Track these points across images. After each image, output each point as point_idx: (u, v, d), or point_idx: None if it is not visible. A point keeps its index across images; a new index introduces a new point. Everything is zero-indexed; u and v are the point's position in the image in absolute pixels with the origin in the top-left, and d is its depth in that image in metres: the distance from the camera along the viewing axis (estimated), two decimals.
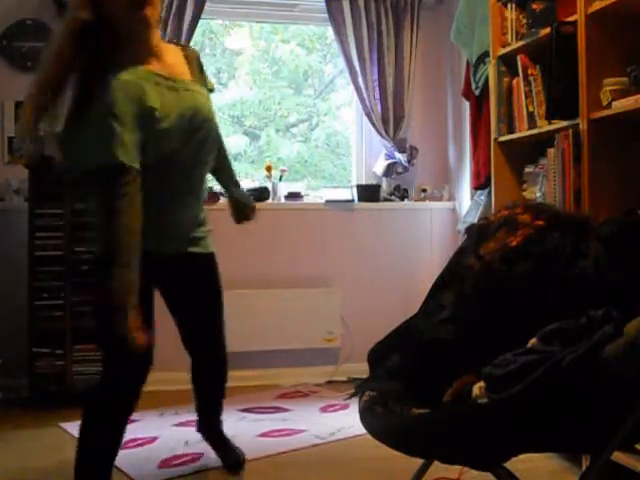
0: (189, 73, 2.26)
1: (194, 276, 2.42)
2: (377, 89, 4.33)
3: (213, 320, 2.56)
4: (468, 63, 3.92)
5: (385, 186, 4.47)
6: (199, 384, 2.66)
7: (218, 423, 2.73)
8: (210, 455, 2.86)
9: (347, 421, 3.28)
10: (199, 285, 2.45)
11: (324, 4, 4.29)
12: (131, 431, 3.20)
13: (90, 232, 3.14)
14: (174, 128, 2.10)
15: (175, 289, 2.43)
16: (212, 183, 3.47)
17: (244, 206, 2.64)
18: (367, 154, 4.54)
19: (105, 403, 2.16)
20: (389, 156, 4.41)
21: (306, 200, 4.37)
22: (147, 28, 2.08)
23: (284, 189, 4.34)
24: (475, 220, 3.35)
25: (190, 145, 2.17)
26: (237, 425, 3.17)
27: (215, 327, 2.57)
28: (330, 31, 4.41)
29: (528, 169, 3.17)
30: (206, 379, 2.66)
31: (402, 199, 4.44)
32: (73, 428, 3.24)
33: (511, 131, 3.21)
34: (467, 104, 4.05)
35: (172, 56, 2.23)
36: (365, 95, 4.32)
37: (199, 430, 2.78)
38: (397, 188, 4.45)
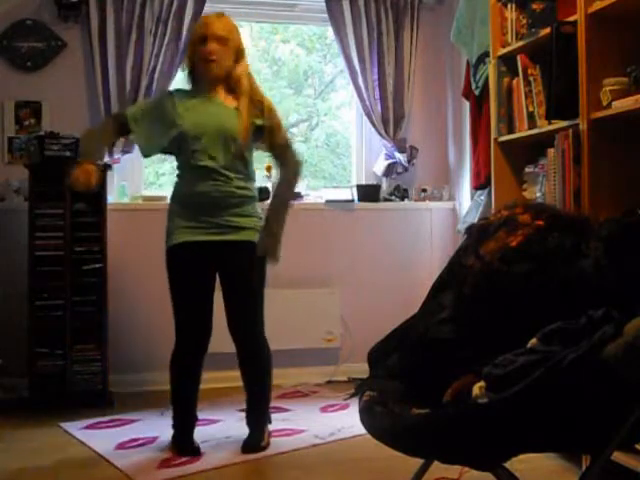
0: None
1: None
2: (377, 89, 4.33)
3: (238, 309, 2.90)
4: (468, 63, 3.92)
5: (385, 186, 4.47)
6: (242, 375, 2.97)
7: (258, 409, 2.99)
8: (210, 455, 2.87)
9: (347, 421, 3.28)
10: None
11: (324, 4, 4.30)
12: (131, 431, 3.22)
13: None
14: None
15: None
16: None
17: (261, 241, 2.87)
18: (367, 154, 4.54)
19: (173, 358, 2.92)
20: (389, 156, 4.41)
21: (306, 200, 4.37)
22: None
23: None
24: (475, 220, 3.35)
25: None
26: (237, 425, 3.17)
27: (240, 317, 2.89)
28: (330, 31, 4.41)
29: (528, 169, 3.17)
30: (243, 371, 2.96)
31: (402, 199, 4.44)
32: (73, 428, 3.25)
33: (511, 131, 3.21)
34: (467, 104, 4.05)
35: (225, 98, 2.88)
36: (365, 95, 4.32)
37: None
38: (397, 188, 4.45)
